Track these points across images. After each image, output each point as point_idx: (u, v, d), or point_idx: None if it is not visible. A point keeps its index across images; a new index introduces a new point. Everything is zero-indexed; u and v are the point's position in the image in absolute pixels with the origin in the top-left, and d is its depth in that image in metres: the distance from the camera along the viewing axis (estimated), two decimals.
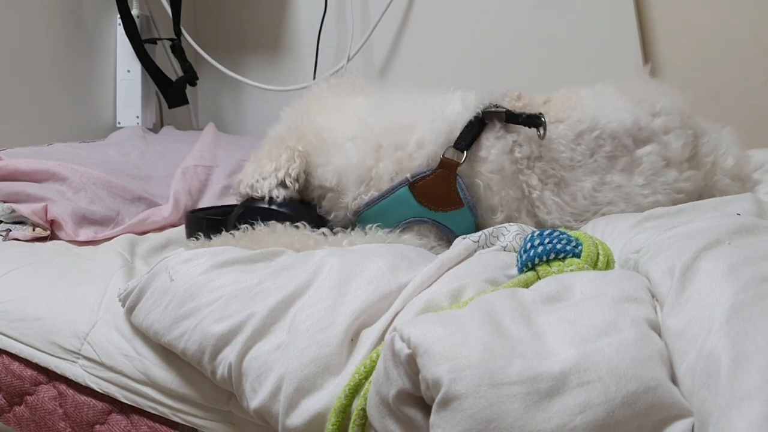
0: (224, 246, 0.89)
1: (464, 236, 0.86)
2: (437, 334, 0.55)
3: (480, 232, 0.86)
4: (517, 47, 1.85)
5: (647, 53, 1.73)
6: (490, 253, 0.81)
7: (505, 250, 0.82)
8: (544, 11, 1.80)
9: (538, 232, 0.75)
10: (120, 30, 1.99)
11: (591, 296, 0.63)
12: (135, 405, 0.87)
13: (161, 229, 1.35)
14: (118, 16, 1.97)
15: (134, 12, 1.99)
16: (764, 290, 0.56)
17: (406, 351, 0.56)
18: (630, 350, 0.55)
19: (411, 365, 0.56)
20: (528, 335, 0.57)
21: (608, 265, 0.73)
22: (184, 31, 2.04)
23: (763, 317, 0.53)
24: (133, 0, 2.00)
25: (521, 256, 0.74)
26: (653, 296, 0.64)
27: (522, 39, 1.84)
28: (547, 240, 0.73)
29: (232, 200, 1.51)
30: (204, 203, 1.49)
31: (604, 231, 0.89)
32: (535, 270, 0.73)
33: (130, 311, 0.85)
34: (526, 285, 0.70)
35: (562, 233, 0.74)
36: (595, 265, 0.72)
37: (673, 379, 0.56)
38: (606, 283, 0.64)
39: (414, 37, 2.01)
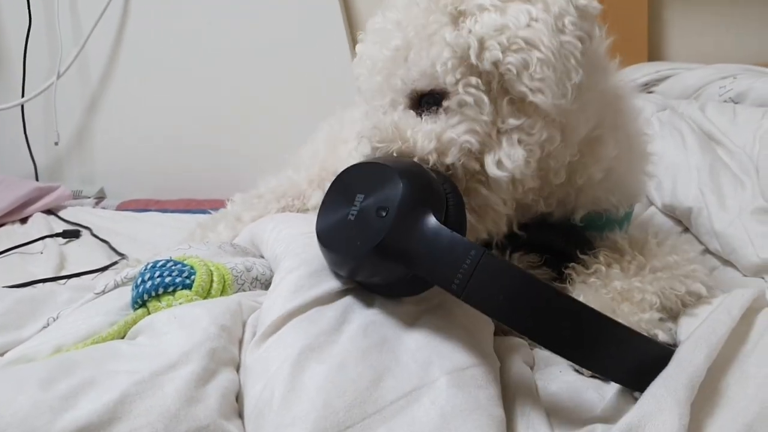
0: None
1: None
2: None
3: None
4: (237, 53, 1.82)
5: None
6: (116, 292, 0.76)
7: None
8: (260, 17, 1.79)
9: (151, 264, 0.71)
10: None
11: (180, 327, 0.61)
12: None
13: None
14: None
15: None
16: (332, 340, 0.58)
17: None
18: (188, 388, 0.53)
19: None
20: (85, 383, 0.53)
21: (224, 290, 0.71)
22: None
23: (326, 357, 0.56)
24: None
25: (132, 292, 0.70)
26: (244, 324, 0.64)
27: (237, 44, 1.81)
28: (157, 274, 0.69)
29: None
30: None
31: None
32: (146, 306, 0.69)
33: None
34: (135, 323, 0.67)
35: (176, 263, 0.71)
36: (207, 295, 0.70)
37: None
38: (197, 314, 0.62)
39: (132, 45, 1.91)
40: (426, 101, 0.70)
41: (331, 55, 1.73)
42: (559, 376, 0.65)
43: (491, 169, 0.68)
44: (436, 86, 0.69)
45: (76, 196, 1.84)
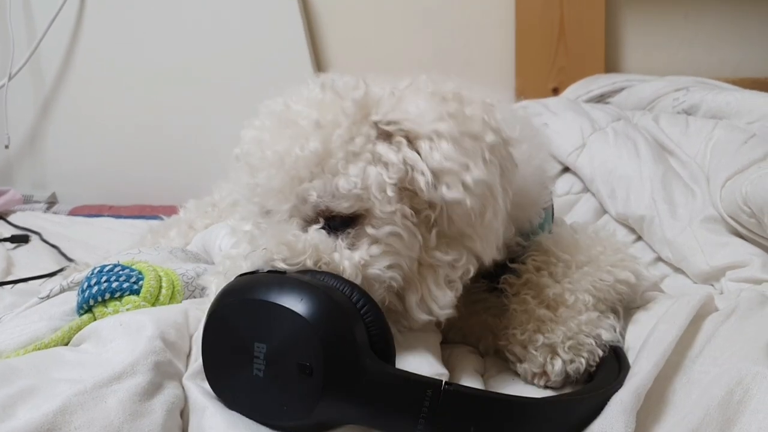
0: None
1: None
2: None
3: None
4: (193, 59, 1.80)
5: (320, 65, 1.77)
6: (61, 296, 0.74)
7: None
8: (218, 24, 1.77)
9: (98, 269, 0.69)
10: None
11: (125, 334, 0.59)
12: None
13: None
14: None
15: None
16: None
17: None
18: (132, 402, 0.52)
19: None
20: (25, 391, 0.51)
21: (173, 296, 0.70)
22: None
23: None
24: None
25: (78, 297, 0.68)
26: None
27: (194, 50, 1.79)
28: (104, 278, 0.68)
29: None
30: None
31: None
32: (92, 311, 0.67)
33: None
34: (80, 329, 0.65)
35: (123, 268, 0.69)
36: (155, 301, 0.68)
37: None
38: (142, 322, 0.61)
39: (87, 48, 1.86)
40: (335, 221, 0.61)
41: (289, 64, 1.72)
42: (510, 384, 0.65)
43: (415, 312, 0.62)
44: (359, 208, 0.60)
45: (27, 200, 1.79)
